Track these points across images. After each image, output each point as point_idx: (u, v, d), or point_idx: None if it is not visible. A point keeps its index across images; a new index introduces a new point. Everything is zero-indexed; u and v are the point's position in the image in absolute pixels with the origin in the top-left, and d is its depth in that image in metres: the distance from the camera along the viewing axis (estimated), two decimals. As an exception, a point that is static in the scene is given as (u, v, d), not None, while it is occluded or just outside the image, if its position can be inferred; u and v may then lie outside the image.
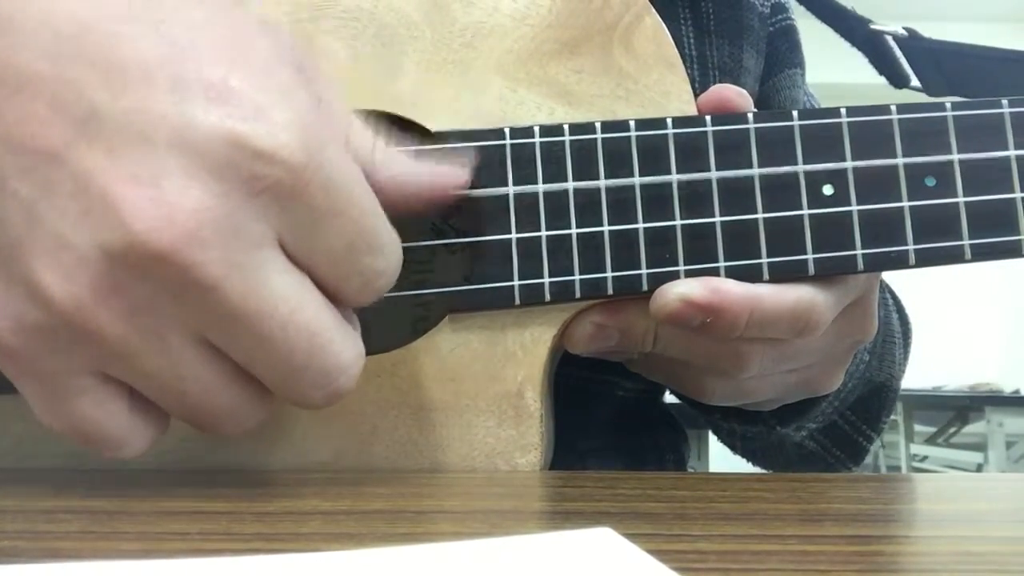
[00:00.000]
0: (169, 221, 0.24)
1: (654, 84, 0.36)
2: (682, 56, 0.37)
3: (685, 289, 0.33)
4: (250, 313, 0.25)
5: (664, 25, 0.37)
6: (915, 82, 0.43)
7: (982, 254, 0.34)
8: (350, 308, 0.29)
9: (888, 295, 0.54)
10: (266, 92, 0.26)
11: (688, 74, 0.37)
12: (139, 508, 0.25)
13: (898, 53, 0.43)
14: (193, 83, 0.25)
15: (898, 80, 0.44)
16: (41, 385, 0.26)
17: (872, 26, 0.44)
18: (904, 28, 0.44)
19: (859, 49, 0.44)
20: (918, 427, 3.97)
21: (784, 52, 0.56)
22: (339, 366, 0.27)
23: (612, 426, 0.48)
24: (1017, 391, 3.74)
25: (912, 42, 0.43)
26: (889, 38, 0.43)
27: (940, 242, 0.34)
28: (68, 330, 0.25)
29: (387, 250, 0.29)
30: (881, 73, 0.44)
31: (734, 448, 0.53)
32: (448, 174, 0.33)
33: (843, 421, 0.49)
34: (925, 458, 3.91)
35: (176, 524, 0.23)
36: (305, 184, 0.25)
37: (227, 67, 0.25)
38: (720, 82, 0.37)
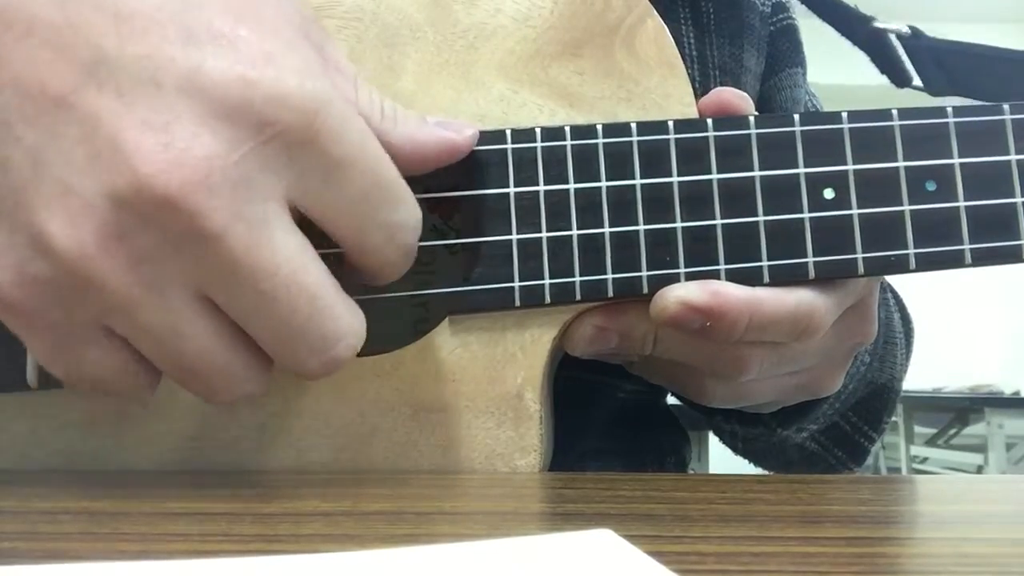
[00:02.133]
0: (178, 165, 0.24)
1: (655, 86, 0.36)
2: (682, 56, 0.37)
3: (684, 292, 0.33)
4: (253, 267, 0.25)
5: (666, 27, 0.37)
6: (917, 81, 0.43)
7: (982, 259, 0.34)
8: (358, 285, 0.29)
9: (890, 295, 0.54)
10: (274, 43, 0.26)
11: (688, 74, 0.37)
12: (139, 509, 0.25)
13: (901, 52, 0.43)
14: (202, 32, 0.25)
15: (900, 79, 0.44)
16: (45, 337, 0.26)
17: (874, 24, 0.44)
18: (908, 26, 0.44)
19: (861, 48, 0.44)
20: (918, 429, 3.96)
21: (785, 51, 0.56)
22: (338, 333, 0.27)
23: (612, 427, 0.48)
24: (1017, 392, 3.73)
25: (915, 40, 0.43)
26: (892, 36, 0.43)
27: (940, 246, 0.34)
28: (70, 280, 0.25)
29: (406, 203, 0.28)
30: (883, 72, 0.43)
31: (735, 449, 0.53)
32: (458, 130, 0.33)
33: (844, 422, 0.49)
34: (925, 459, 3.91)
35: (176, 525, 0.23)
36: (315, 132, 0.25)
37: (235, 19, 0.25)
38: (721, 82, 0.37)
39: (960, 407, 3.77)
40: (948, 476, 2.16)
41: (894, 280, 0.55)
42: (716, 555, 0.20)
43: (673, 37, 0.37)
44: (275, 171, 0.25)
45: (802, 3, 0.50)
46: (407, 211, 0.29)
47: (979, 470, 3.44)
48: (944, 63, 0.42)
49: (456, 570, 0.17)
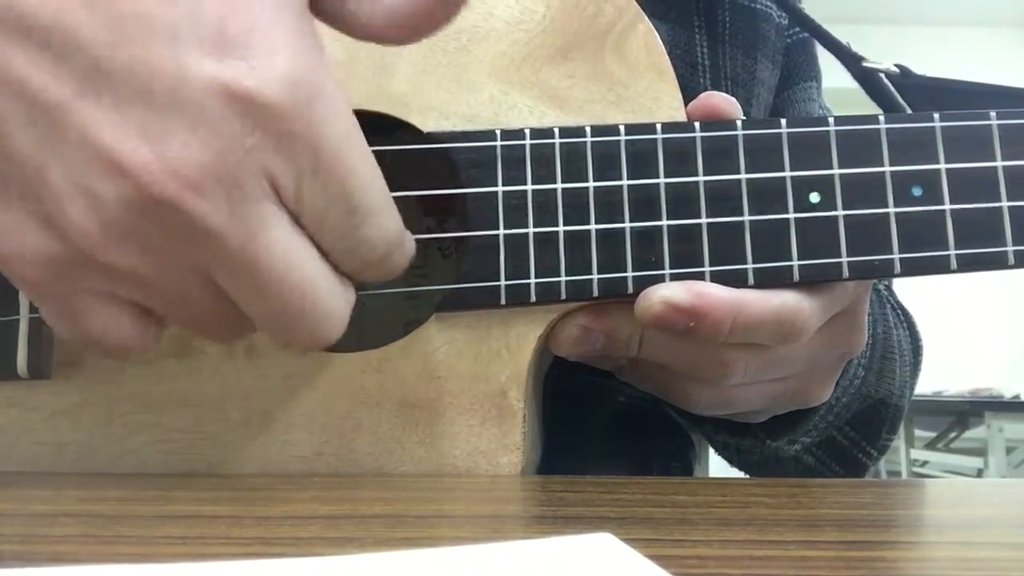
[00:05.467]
0: (173, 174, 0.25)
1: (644, 91, 0.36)
2: (695, 65, 0.37)
3: (669, 293, 0.33)
4: (248, 262, 0.27)
5: (656, 33, 0.37)
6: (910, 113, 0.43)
7: (968, 264, 0.34)
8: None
9: (897, 312, 0.53)
10: (262, 38, 0.26)
11: (700, 83, 0.37)
12: (139, 512, 0.25)
13: (892, 89, 0.43)
14: (190, 34, 0.25)
15: (894, 112, 0.44)
16: (54, 304, 0.28)
17: (864, 64, 0.44)
18: (896, 65, 0.44)
19: (856, 81, 0.45)
20: (918, 432, 3.96)
21: (800, 65, 0.56)
22: (329, 321, 0.29)
23: (614, 431, 0.48)
24: (1017, 396, 3.73)
25: (903, 79, 0.43)
26: (882, 75, 0.43)
27: (926, 251, 0.34)
28: (83, 262, 0.27)
29: (377, 219, 0.29)
30: (879, 105, 0.44)
31: (731, 461, 0.53)
32: None
33: (841, 436, 0.49)
34: (925, 463, 3.91)
35: (176, 528, 0.23)
36: (292, 136, 0.26)
37: (227, 13, 0.26)
38: (733, 92, 0.37)
39: (960, 410, 3.76)
40: (948, 480, 2.16)
41: (894, 282, 0.55)
42: (716, 559, 0.20)
43: (686, 46, 0.37)
44: (262, 173, 0.26)
45: (805, 31, 0.50)
46: (379, 227, 0.29)
47: (979, 474, 3.44)
48: (934, 99, 0.42)
49: (456, 573, 0.17)
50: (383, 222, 0.29)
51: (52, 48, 0.25)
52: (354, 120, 0.28)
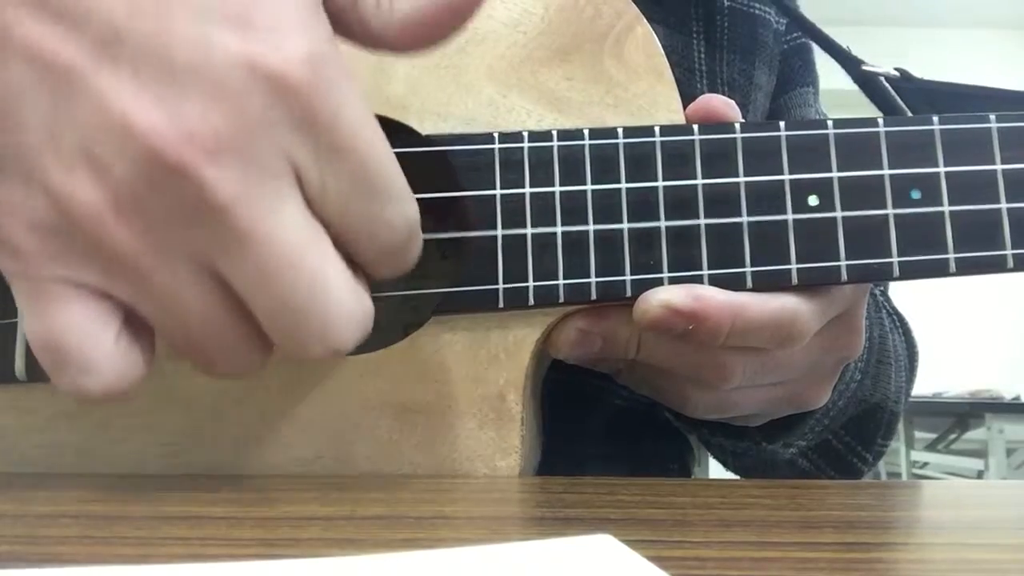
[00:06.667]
0: (188, 139, 0.24)
1: (643, 93, 0.36)
2: (692, 71, 0.37)
3: (667, 296, 0.33)
4: (257, 241, 0.25)
5: (655, 35, 0.37)
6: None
7: (967, 268, 0.34)
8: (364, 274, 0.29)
9: (892, 317, 0.53)
10: (286, 21, 0.26)
11: (697, 88, 0.37)
12: (138, 513, 0.25)
13: (893, 92, 0.43)
14: (214, 9, 0.25)
15: (894, 115, 0.44)
16: (37, 288, 0.26)
17: (864, 67, 0.44)
18: (896, 69, 0.44)
19: (856, 84, 0.45)
20: (918, 433, 3.96)
21: (797, 70, 0.56)
22: (340, 321, 0.27)
23: (611, 434, 0.48)
24: (1017, 397, 3.73)
25: (904, 83, 0.43)
26: (882, 79, 0.43)
27: (925, 255, 0.34)
28: (83, 239, 0.25)
29: (399, 202, 0.28)
30: (879, 108, 0.44)
31: (726, 464, 0.53)
32: None
33: (836, 440, 0.49)
34: (925, 464, 3.91)
35: (175, 529, 0.23)
36: (314, 116, 0.25)
37: None
38: (729, 97, 0.37)
39: (960, 412, 3.76)
40: (948, 481, 2.16)
41: (893, 285, 0.55)
42: (716, 560, 0.20)
43: (684, 52, 0.37)
44: (281, 149, 0.25)
45: (805, 35, 0.50)
46: (397, 209, 0.28)
47: (979, 475, 3.43)
48: (934, 103, 0.42)
49: (455, 575, 0.17)
50: (404, 205, 0.28)
51: (68, 17, 0.24)
52: (369, 107, 0.27)
